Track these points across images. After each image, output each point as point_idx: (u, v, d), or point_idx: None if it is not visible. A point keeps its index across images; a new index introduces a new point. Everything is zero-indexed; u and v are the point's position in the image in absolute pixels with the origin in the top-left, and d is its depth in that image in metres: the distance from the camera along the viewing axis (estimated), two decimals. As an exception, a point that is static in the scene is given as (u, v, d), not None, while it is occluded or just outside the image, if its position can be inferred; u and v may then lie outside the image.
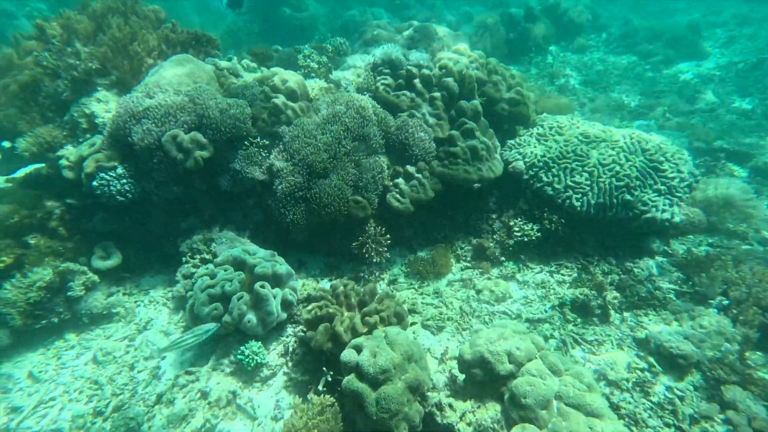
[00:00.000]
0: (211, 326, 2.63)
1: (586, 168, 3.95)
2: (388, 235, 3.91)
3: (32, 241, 3.29)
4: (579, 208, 3.89)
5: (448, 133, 4.13)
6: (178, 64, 3.73)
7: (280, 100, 3.69)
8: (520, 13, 10.04)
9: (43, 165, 3.67)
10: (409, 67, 4.18)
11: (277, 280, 3.08)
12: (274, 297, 2.92)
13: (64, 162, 3.39)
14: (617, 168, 3.88)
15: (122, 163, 3.35)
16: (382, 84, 4.20)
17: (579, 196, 3.91)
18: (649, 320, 3.35)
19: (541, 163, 4.15)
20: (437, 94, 4.13)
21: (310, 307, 2.90)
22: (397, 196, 3.95)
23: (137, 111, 3.30)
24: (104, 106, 3.67)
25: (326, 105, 3.89)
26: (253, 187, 3.72)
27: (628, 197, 3.81)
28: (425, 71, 4.15)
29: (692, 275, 3.58)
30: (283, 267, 3.10)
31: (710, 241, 4.22)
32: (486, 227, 4.38)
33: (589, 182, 3.90)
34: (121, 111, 3.30)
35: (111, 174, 3.24)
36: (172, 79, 3.61)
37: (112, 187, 3.23)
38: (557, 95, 9.04)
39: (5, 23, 10.32)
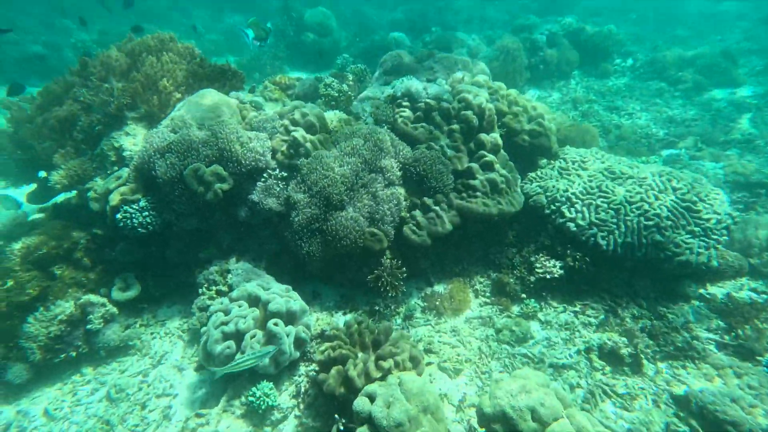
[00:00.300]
0: (270, 348, 2.69)
1: (611, 205, 3.78)
2: (404, 268, 3.83)
3: (58, 272, 3.38)
4: (605, 247, 3.71)
5: (467, 165, 4.06)
6: (203, 99, 3.85)
7: (299, 133, 3.73)
8: (542, 39, 10.03)
9: (74, 194, 3.81)
10: (427, 101, 4.18)
11: (290, 317, 3.03)
12: (287, 335, 2.87)
13: (91, 194, 3.50)
14: (645, 206, 3.70)
15: (145, 195, 3.43)
16: (401, 116, 4.20)
17: (605, 234, 3.74)
18: (688, 373, 3.10)
19: (563, 198, 4.01)
20: (456, 127, 4.09)
21: (323, 348, 2.83)
22: (414, 228, 3.88)
23: (162, 146, 3.39)
24: (132, 139, 3.80)
25: (344, 137, 3.91)
26: (270, 218, 3.74)
27: (659, 238, 3.61)
28: (444, 104, 4.13)
29: (735, 325, 3.31)
30: (297, 303, 3.05)
31: (753, 285, 3.93)
32: (506, 261, 4.23)
33: (615, 220, 3.73)
34: (147, 146, 3.41)
35: (134, 207, 3.32)
36: (197, 113, 3.71)
37: (134, 220, 3.30)
38: (580, 122, 8.89)
39: (53, 55, 11.07)
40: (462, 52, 11.42)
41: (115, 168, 3.71)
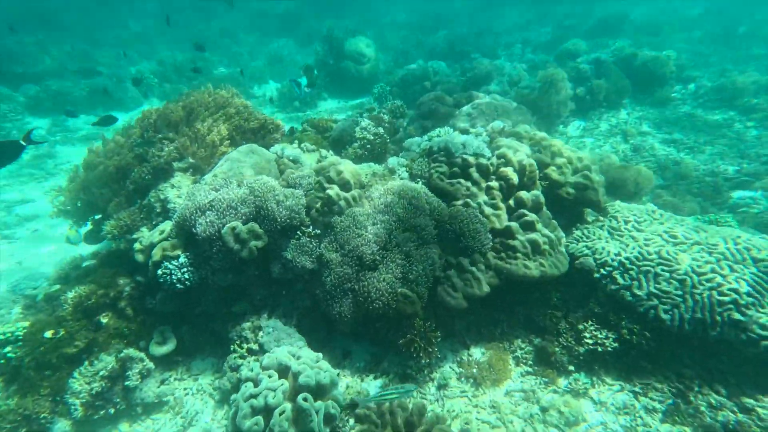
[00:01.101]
0: (412, 387, 2.81)
1: (675, 275, 3.41)
2: (438, 332, 3.65)
3: (104, 320, 3.53)
4: (668, 322, 3.33)
5: (506, 224, 3.85)
6: (245, 155, 3.95)
7: (333, 191, 3.71)
8: (588, 68, 9.60)
9: (122, 240, 4.01)
10: (465, 156, 4.04)
11: (320, 390, 2.95)
12: (317, 412, 2.78)
13: (137, 246, 3.66)
14: (718, 279, 3.29)
15: (185, 251, 3.53)
16: (437, 171, 4.08)
17: (668, 307, 3.36)
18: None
19: (615, 263, 3.68)
20: (494, 184, 3.91)
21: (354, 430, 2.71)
22: (449, 290, 3.71)
23: (203, 204, 3.49)
24: (177, 191, 3.96)
25: (379, 194, 3.85)
26: (302, 275, 3.72)
27: (738, 317, 3.19)
28: (482, 160, 3.98)
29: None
30: (326, 376, 2.97)
31: None
32: (550, 325, 3.93)
33: (680, 292, 3.35)
34: (189, 204, 3.52)
35: (174, 263, 3.42)
36: (238, 170, 3.81)
37: (173, 276, 3.39)
38: (631, 157, 8.34)
39: (116, 86, 12.11)
40: (502, 81, 11.20)
41: (160, 219, 3.87)
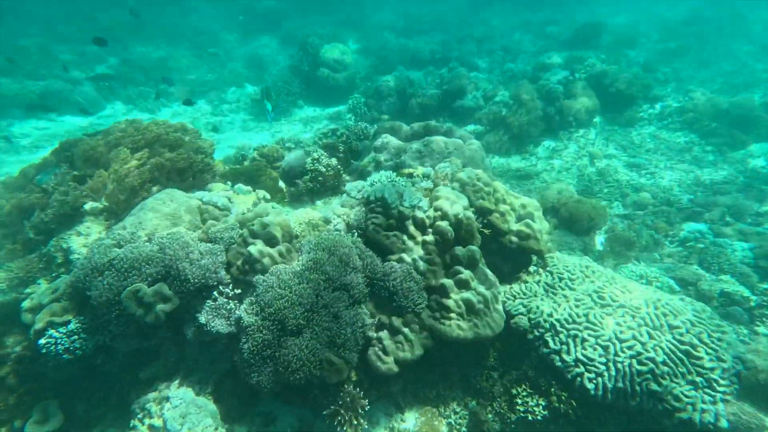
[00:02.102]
0: None
1: (600, 340, 3.27)
2: (366, 401, 3.44)
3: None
4: (592, 392, 3.20)
5: (441, 281, 3.66)
6: (162, 203, 3.65)
7: (256, 248, 3.45)
8: (558, 88, 9.49)
9: (12, 296, 3.65)
10: (401, 209, 3.81)
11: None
12: None
13: (26, 304, 3.31)
14: (638, 347, 3.16)
15: (78, 315, 3.21)
16: (373, 223, 3.85)
17: (592, 376, 3.22)
18: None
19: (547, 324, 3.52)
20: (430, 239, 3.70)
21: None
22: (380, 354, 3.50)
23: (101, 263, 3.18)
24: (83, 240, 3.63)
25: (308, 249, 3.60)
26: (219, 339, 3.46)
27: (655, 387, 3.07)
28: (418, 213, 3.76)
29: None
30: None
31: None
32: (485, 387, 3.77)
33: (604, 360, 3.21)
34: (85, 263, 3.20)
35: (62, 331, 3.10)
36: (150, 221, 3.51)
37: (59, 346, 3.07)
38: (596, 182, 8.27)
39: (71, 90, 11.43)
40: (477, 96, 11.02)
41: (62, 271, 3.54)
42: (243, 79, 16.26)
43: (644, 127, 10.04)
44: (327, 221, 3.97)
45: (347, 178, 6.07)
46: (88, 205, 3.77)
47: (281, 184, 5.73)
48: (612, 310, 3.43)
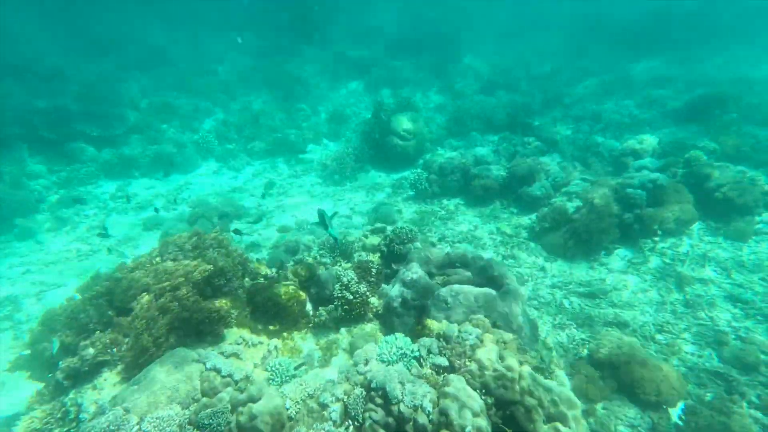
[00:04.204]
0: None
1: None
2: None
3: None
4: None
5: None
6: (166, 374, 3.91)
7: (236, 442, 3.48)
8: (640, 196, 8.24)
9: None
10: (401, 408, 3.54)
11: None
12: None
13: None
14: None
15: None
16: (370, 418, 3.63)
17: None
18: None
19: None
20: (422, 460, 3.35)
21: None
22: None
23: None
24: (97, 394, 3.98)
25: (292, 447, 3.53)
26: None
27: None
28: (420, 417, 3.45)
29: None
30: None
31: None
32: None
33: None
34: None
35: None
36: (146, 399, 3.73)
37: None
38: (674, 330, 6.90)
39: (178, 151, 13.35)
40: (545, 185, 10.20)
41: (73, 426, 3.87)
42: (322, 136, 17.39)
43: (761, 245, 8.15)
44: (323, 407, 3.86)
45: (375, 304, 5.95)
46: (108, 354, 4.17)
47: (308, 307, 5.84)
48: None
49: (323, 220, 5.86)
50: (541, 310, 7.60)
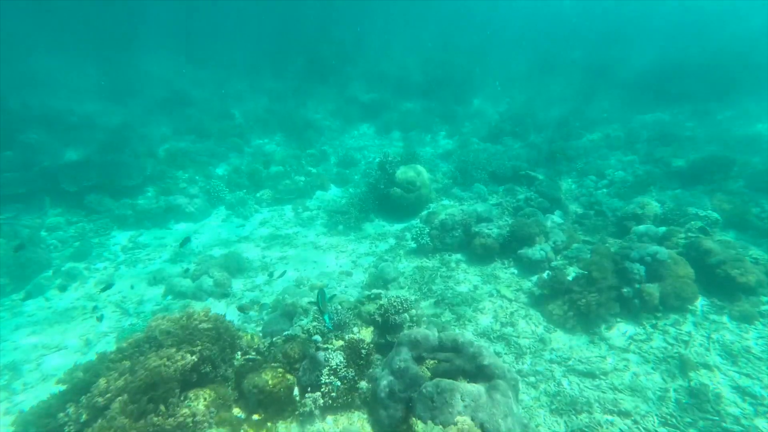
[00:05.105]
0: None
1: None
2: None
3: None
4: None
5: None
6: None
7: None
8: (638, 271, 8.16)
9: None
10: None
11: None
12: None
13: None
14: None
15: None
16: None
17: None
18: None
19: None
20: None
21: None
22: None
23: None
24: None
25: None
26: None
27: None
28: None
29: None
30: None
31: None
32: None
33: None
34: None
35: None
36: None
37: None
38: (680, 422, 6.65)
39: (189, 202, 13.94)
40: (545, 249, 10.18)
41: None
42: (330, 182, 17.81)
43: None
44: None
45: (364, 388, 5.92)
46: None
47: (296, 392, 5.85)
48: None
49: (321, 304, 5.99)
50: (538, 388, 7.43)
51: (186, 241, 9.65)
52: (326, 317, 5.89)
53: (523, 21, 48.53)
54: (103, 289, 8.50)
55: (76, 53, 35.47)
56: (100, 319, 7.68)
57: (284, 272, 10.55)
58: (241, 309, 7.56)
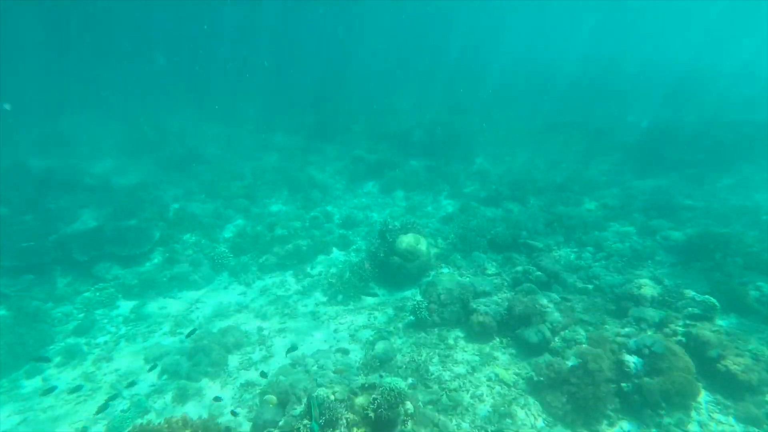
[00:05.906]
0: None
1: None
2: None
3: None
4: None
5: None
6: None
7: None
8: (635, 365, 8.04)
9: None
10: None
11: None
12: None
13: None
14: None
15: None
16: None
17: None
18: None
19: None
20: None
21: None
22: None
23: None
24: None
25: None
26: None
27: None
28: None
29: None
30: None
31: None
32: None
33: None
34: None
35: None
36: None
37: None
38: None
39: (194, 269, 14.31)
40: (542, 330, 10.10)
41: None
42: (332, 245, 18.08)
43: (778, 429, 7.57)
44: None
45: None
46: None
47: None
48: None
49: (312, 409, 6.08)
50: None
51: (192, 332, 9.93)
52: (314, 424, 5.92)
53: (524, 81, 50.68)
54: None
55: (100, 110, 37.66)
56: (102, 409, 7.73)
57: (289, 348, 10.60)
58: (234, 414, 7.62)
